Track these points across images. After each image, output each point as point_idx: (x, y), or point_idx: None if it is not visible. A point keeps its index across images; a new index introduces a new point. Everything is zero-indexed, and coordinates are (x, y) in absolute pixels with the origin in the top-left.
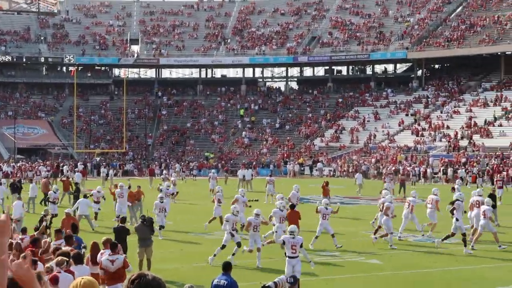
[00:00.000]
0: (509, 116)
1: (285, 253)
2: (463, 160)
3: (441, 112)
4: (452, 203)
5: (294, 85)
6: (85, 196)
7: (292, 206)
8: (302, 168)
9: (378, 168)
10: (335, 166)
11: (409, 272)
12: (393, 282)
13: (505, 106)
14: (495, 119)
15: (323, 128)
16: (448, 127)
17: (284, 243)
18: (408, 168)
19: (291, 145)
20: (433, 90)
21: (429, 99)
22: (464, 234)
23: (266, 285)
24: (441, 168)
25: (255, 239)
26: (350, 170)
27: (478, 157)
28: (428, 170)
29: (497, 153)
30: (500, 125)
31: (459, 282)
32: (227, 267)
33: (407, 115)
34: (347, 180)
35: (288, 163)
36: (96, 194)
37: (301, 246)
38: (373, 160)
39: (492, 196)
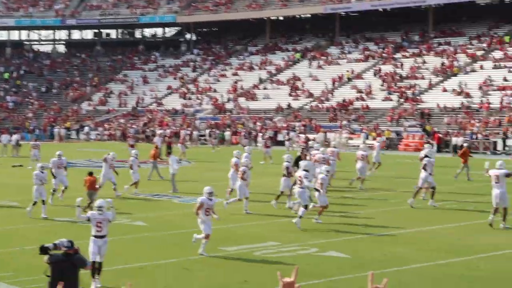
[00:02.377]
0: (274, 79)
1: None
2: (228, 122)
3: (209, 76)
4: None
5: (62, 48)
6: None
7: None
8: (69, 132)
9: (145, 131)
10: (102, 130)
11: (174, 232)
12: (157, 242)
13: (270, 70)
14: (260, 82)
15: (90, 91)
16: (215, 90)
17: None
18: (175, 131)
19: (57, 109)
20: (201, 54)
21: (197, 63)
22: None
23: (45, 245)
24: (208, 131)
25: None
26: (118, 134)
27: (244, 119)
28: (195, 133)
29: (262, 115)
30: (265, 88)
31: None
32: None
33: (175, 78)
34: (114, 143)
35: (55, 127)
36: None
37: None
38: (141, 123)
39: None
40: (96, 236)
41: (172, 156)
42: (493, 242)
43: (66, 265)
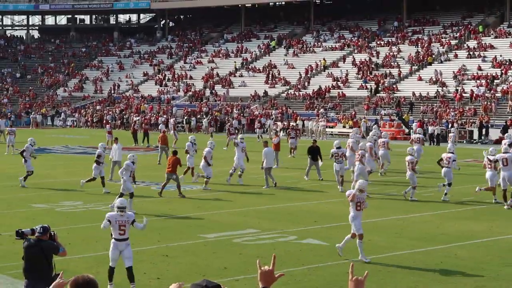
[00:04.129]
0: (249, 67)
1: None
2: (205, 109)
3: (184, 63)
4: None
5: (35, 34)
6: None
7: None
8: (45, 119)
9: (122, 118)
10: (78, 116)
11: (153, 219)
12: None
13: (246, 57)
14: (236, 69)
15: (65, 77)
16: (191, 77)
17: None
18: (152, 118)
19: (33, 95)
20: (176, 41)
21: (172, 50)
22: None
23: (21, 230)
24: (185, 118)
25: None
26: (94, 120)
27: (220, 107)
28: (171, 120)
29: (238, 102)
30: (241, 76)
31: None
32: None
33: (151, 65)
34: (90, 130)
35: (31, 113)
36: None
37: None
38: (117, 110)
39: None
40: (117, 239)
41: (119, 144)
42: (470, 230)
43: (35, 251)
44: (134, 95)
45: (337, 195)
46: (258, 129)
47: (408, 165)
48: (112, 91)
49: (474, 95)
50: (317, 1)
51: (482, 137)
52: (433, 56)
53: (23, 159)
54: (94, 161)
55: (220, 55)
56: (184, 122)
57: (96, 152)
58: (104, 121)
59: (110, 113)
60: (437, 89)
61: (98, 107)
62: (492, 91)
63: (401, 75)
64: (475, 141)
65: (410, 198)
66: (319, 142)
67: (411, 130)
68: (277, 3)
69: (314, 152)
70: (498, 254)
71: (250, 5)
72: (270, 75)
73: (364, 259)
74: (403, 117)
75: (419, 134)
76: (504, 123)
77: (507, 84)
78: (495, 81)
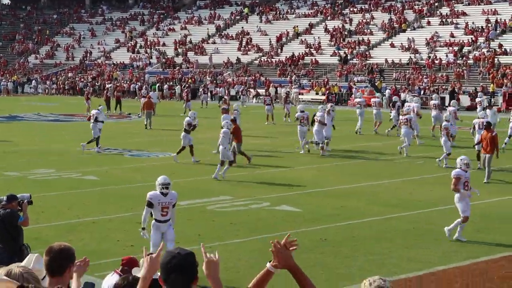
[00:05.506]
0: (222, 34)
1: None
2: (179, 76)
3: (157, 30)
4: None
5: (6, 0)
6: None
7: None
8: (16, 86)
9: (94, 85)
10: (49, 84)
11: (126, 186)
12: (109, 197)
13: (219, 24)
14: (209, 36)
15: (36, 46)
16: (164, 44)
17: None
18: (124, 85)
19: (4, 62)
20: (148, 8)
21: (144, 17)
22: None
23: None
24: (158, 85)
25: None
26: (66, 88)
27: (193, 74)
28: (144, 87)
29: (210, 69)
30: (214, 43)
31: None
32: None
33: (123, 32)
34: (62, 97)
35: (1, 81)
36: None
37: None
38: (89, 77)
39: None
40: (159, 221)
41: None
42: (444, 196)
43: None
44: (106, 62)
45: (308, 161)
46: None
47: (442, 131)
48: (84, 58)
49: (447, 62)
50: None
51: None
52: (407, 23)
53: None
54: (183, 129)
55: (193, 22)
56: (157, 89)
57: (184, 122)
58: (78, 89)
59: (82, 80)
60: (410, 56)
61: (70, 75)
62: (464, 58)
63: (374, 42)
64: (446, 108)
65: (444, 165)
66: (292, 108)
67: (384, 97)
68: None
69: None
70: (471, 219)
71: None
72: (243, 42)
73: (461, 239)
74: (376, 84)
75: (378, 98)
76: (474, 89)
77: (479, 51)
78: (468, 48)
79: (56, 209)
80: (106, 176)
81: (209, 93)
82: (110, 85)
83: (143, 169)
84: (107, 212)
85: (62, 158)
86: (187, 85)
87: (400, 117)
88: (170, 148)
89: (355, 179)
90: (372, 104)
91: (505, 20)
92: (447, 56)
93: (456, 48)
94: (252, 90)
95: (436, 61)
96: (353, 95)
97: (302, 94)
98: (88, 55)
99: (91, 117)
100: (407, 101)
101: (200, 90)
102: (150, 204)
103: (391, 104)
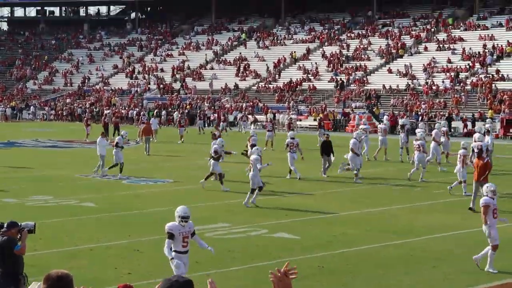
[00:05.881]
0: (220, 59)
1: None
2: (177, 102)
3: (155, 55)
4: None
5: (4, 26)
6: None
7: None
8: (14, 112)
9: (92, 111)
10: (47, 110)
11: (123, 213)
12: (106, 223)
13: (216, 50)
14: (207, 62)
15: (35, 70)
16: (162, 70)
17: None
18: (123, 111)
19: (2, 88)
20: (146, 33)
21: (142, 42)
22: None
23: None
24: (156, 111)
25: None
26: (64, 114)
27: (191, 100)
28: (142, 113)
29: (209, 95)
30: (212, 68)
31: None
32: None
33: (121, 57)
34: (61, 123)
35: (1, 106)
36: None
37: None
38: (88, 103)
39: None
40: (181, 252)
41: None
42: (442, 223)
43: None
44: (104, 88)
45: (306, 188)
46: (222, 123)
47: (459, 158)
48: (82, 84)
49: (444, 88)
50: None
51: (451, 130)
52: (405, 48)
53: None
54: (210, 157)
55: (191, 47)
56: (155, 115)
57: (211, 148)
58: (77, 115)
59: (80, 106)
60: (407, 82)
61: (68, 100)
62: (461, 84)
63: (372, 68)
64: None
65: (463, 193)
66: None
67: (381, 124)
68: None
69: (327, 147)
70: (468, 246)
71: None
72: (241, 68)
73: (492, 270)
74: (374, 110)
75: (385, 125)
76: (472, 116)
77: (476, 76)
78: (465, 73)
79: (53, 236)
80: (104, 203)
81: (205, 119)
82: (108, 111)
83: (140, 196)
84: (104, 239)
85: (60, 184)
86: (181, 111)
87: (414, 142)
88: (169, 174)
89: (354, 206)
90: (378, 131)
91: (501, 46)
92: (443, 82)
93: (453, 74)
94: (250, 116)
95: (434, 87)
96: (351, 121)
97: (300, 120)
98: (86, 80)
99: (113, 143)
100: (419, 127)
101: (197, 116)
102: (171, 236)
103: (399, 127)
